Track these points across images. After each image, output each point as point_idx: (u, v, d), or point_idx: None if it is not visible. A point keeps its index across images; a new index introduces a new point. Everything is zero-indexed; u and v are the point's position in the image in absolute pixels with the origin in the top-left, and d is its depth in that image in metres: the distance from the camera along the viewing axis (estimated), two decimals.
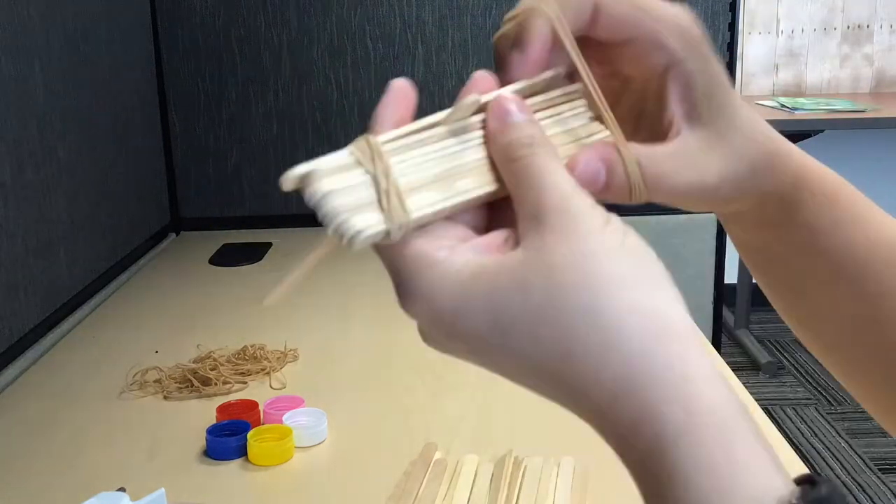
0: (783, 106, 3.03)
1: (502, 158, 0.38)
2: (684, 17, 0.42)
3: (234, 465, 0.92)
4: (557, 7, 0.40)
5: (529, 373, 0.35)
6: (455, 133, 0.40)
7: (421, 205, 0.36)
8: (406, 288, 0.36)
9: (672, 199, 0.43)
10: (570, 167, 0.39)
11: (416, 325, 0.37)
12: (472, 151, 0.39)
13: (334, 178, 0.36)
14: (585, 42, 0.42)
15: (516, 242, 0.36)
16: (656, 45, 0.42)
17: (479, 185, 0.38)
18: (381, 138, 0.38)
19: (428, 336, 0.37)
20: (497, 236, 0.37)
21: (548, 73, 0.41)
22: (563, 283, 0.33)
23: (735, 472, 0.31)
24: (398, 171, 0.37)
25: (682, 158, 0.42)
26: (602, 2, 0.41)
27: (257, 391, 1.09)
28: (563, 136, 0.41)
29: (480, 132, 0.40)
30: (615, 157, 0.40)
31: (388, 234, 0.36)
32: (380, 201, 0.36)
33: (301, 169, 0.36)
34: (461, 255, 0.36)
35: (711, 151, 0.42)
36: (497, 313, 0.34)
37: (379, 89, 2.09)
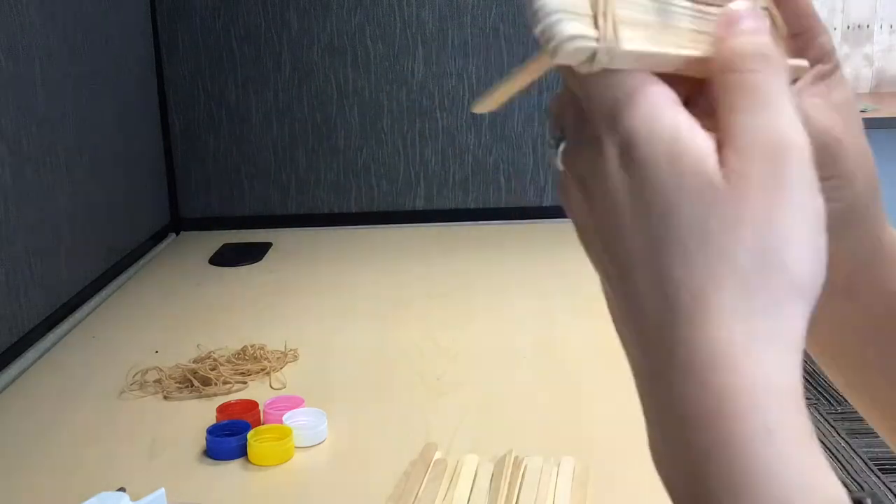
0: None
1: (724, 67, 0.33)
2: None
3: (234, 465, 0.92)
4: None
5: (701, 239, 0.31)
6: None
7: (632, 38, 0.33)
8: (632, 101, 0.32)
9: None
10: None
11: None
12: (695, 21, 0.35)
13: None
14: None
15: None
16: (816, 44, 0.43)
17: (691, 49, 0.35)
18: None
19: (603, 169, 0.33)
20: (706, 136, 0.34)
21: None
22: (742, 241, 0.31)
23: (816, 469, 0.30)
24: (618, 3, 0.33)
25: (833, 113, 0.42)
26: None
27: (257, 391, 1.09)
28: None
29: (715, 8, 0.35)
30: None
31: (594, 56, 0.32)
32: (595, 20, 0.33)
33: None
34: (676, 114, 0.32)
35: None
36: (668, 209, 0.31)
37: (379, 89, 2.10)
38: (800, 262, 0.31)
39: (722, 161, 0.32)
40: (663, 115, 0.32)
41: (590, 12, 0.33)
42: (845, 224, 0.42)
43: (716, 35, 0.34)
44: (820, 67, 0.43)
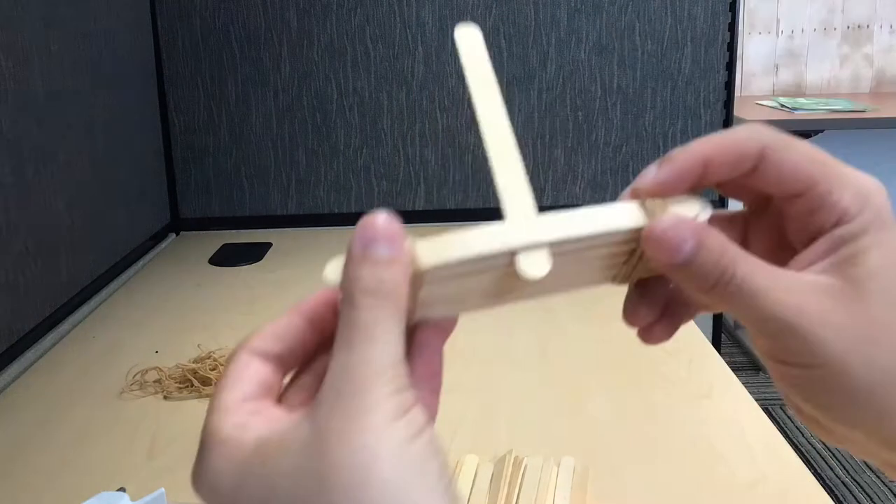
0: (783, 106, 3.03)
1: (343, 292, 0.33)
2: (871, 182, 0.36)
3: None
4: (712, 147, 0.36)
5: None
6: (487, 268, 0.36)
7: (431, 314, 0.37)
8: (196, 468, 0.34)
9: (748, 318, 0.36)
10: (648, 232, 0.35)
11: None
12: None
13: None
14: (740, 183, 0.38)
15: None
16: (827, 203, 0.36)
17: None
18: (426, 264, 0.35)
19: None
20: (299, 392, 0.35)
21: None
22: (330, 480, 0.31)
23: None
24: (425, 294, 0.36)
25: (785, 284, 0.35)
26: (770, 150, 0.36)
27: None
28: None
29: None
30: (708, 232, 0.35)
31: None
32: None
33: (336, 276, 0.34)
34: (253, 429, 0.33)
35: (843, 311, 0.35)
36: (268, 500, 0.31)
37: (379, 89, 2.10)
38: (389, 473, 0.31)
39: (317, 401, 0.32)
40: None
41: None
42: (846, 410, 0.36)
43: (350, 254, 0.34)
44: (834, 234, 0.36)
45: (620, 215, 0.36)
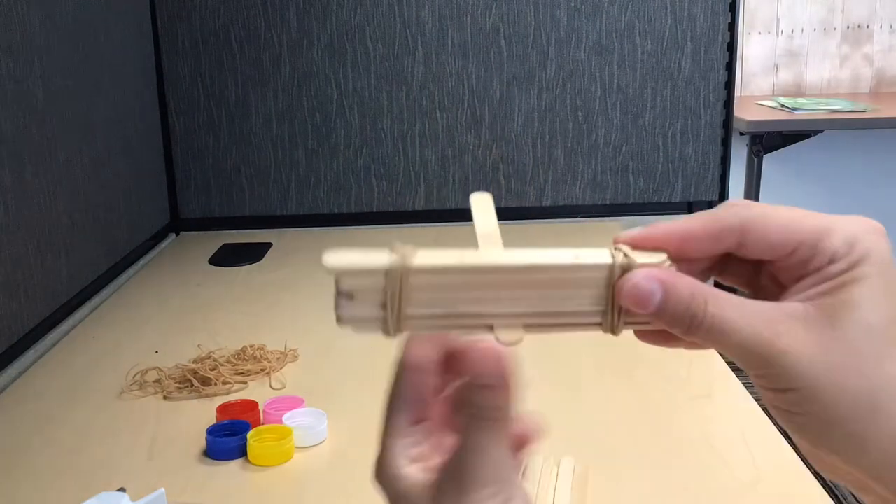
0: (783, 106, 3.03)
1: (464, 406, 0.39)
2: (861, 225, 0.37)
3: (234, 465, 0.92)
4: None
5: None
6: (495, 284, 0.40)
7: (415, 326, 0.40)
8: (377, 466, 0.41)
9: (729, 353, 0.37)
10: (620, 284, 0.38)
11: None
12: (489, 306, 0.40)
13: (358, 280, 0.39)
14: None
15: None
16: (819, 250, 0.37)
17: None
18: (418, 262, 0.39)
19: None
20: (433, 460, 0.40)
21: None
22: None
23: None
24: (414, 301, 0.39)
25: (761, 317, 0.37)
26: (751, 222, 0.38)
27: (257, 391, 1.09)
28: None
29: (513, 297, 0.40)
30: (675, 281, 0.38)
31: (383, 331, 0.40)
32: (385, 318, 0.40)
33: (333, 262, 0.38)
34: (409, 472, 0.40)
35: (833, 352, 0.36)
36: None
37: (379, 89, 2.09)
38: None
39: (438, 487, 0.39)
40: None
41: (380, 314, 0.39)
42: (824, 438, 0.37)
43: (473, 377, 0.39)
44: (821, 272, 0.37)
45: (589, 254, 0.39)
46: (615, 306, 0.39)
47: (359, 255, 0.38)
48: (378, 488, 0.40)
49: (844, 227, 0.37)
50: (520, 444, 0.41)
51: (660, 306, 0.38)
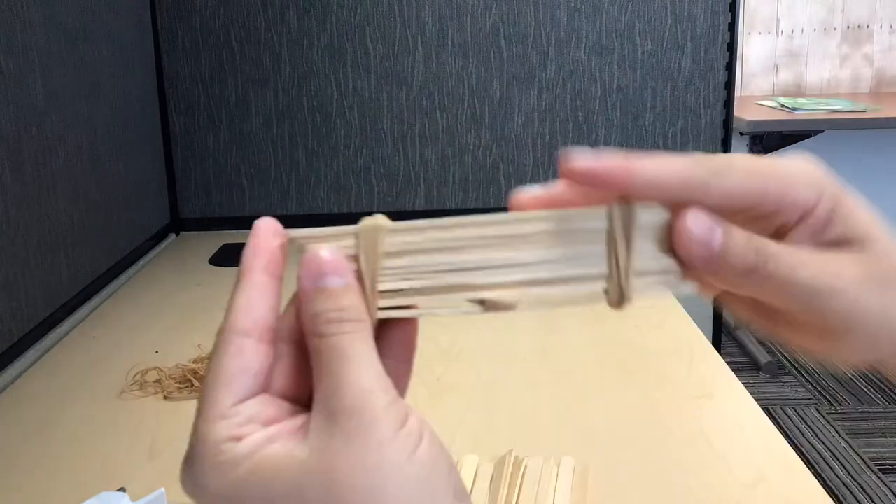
0: (783, 106, 3.03)
1: (307, 329, 0.34)
2: (807, 167, 0.37)
3: None
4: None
5: None
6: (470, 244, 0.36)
7: (390, 304, 0.36)
8: (184, 469, 0.34)
9: (792, 293, 0.36)
10: (679, 222, 0.35)
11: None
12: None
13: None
14: None
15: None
16: (784, 206, 0.36)
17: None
18: (390, 225, 0.36)
19: None
20: (295, 421, 0.34)
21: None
22: (342, 498, 0.31)
23: None
24: (385, 275, 0.36)
25: (819, 257, 0.36)
26: (712, 182, 0.36)
27: None
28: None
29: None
30: (725, 221, 0.35)
31: None
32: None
33: (301, 233, 0.36)
34: (246, 445, 0.33)
35: (850, 265, 0.36)
36: None
37: (379, 89, 2.09)
38: (401, 487, 0.32)
39: (311, 428, 0.33)
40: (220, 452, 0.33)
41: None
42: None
43: (302, 286, 0.35)
44: (808, 225, 0.36)
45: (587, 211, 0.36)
46: (620, 264, 0.35)
47: (327, 228, 0.36)
48: (198, 498, 0.33)
49: (798, 176, 0.36)
50: (401, 350, 0.37)
51: (722, 248, 0.34)
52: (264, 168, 1.89)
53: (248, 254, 0.36)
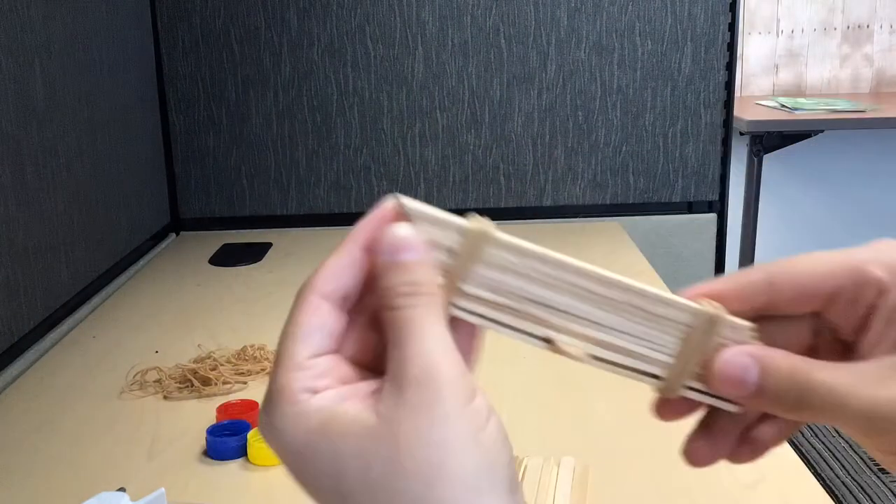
0: (783, 106, 3.03)
1: (381, 301, 0.35)
2: (884, 247, 0.36)
3: (234, 465, 0.92)
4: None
5: None
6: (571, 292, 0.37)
7: (466, 307, 0.37)
8: (264, 413, 0.35)
9: (848, 423, 0.35)
10: (708, 367, 0.35)
11: None
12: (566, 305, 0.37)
13: (430, 230, 0.36)
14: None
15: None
16: (860, 285, 0.35)
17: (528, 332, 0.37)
18: (500, 235, 0.36)
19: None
20: (367, 386, 0.35)
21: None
22: (403, 468, 0.32)
23: None
24: (472, 278, 0.36)
25: (871, 377, 0.34)
26: (777, 276, 0.36)
27: (257, 391, 1.08)
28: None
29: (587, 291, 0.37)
30: (770, 354, 0.35)
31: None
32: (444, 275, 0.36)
33: (414, 206, 0.36)
34: (321, 399, 0.34)
35: None
36: (337, 478, 0.33)
37: (379, 89, 2.09)
38: (463, 467, 0.32)
39: (381, 397, 0.33)
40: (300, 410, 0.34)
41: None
42: None
43: (378, 261, 0.35)
44: (883, 309, 0.35)
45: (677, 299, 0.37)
46: (685, 364, 0.36)
47: (440, 212, 0.36)
48: (274, 441, 0.35)
49: (874, 256, 0.36)
50: (469, 340, 0.38)
51: (759, 383, 0.35)
52: (264, 168, 1.89)
53: (357, 226, 0.37)
